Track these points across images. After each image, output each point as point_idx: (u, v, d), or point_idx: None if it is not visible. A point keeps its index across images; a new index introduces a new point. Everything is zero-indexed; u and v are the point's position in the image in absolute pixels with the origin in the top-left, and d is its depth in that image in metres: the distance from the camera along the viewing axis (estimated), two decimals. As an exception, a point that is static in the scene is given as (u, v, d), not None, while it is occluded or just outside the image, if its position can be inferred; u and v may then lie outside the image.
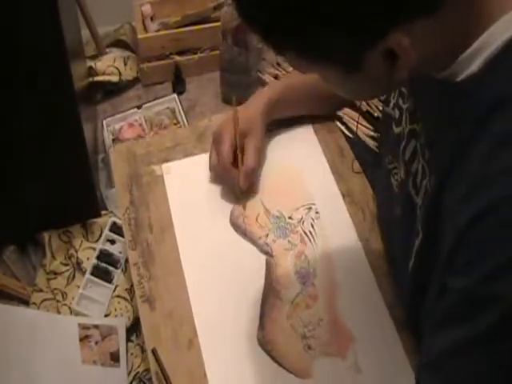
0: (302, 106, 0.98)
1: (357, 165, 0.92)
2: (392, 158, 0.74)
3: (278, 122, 0.96)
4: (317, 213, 0.87)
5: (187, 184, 0.91)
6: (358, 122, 1.57)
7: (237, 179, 0.83)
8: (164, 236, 0.84)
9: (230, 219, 0.86)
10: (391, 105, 0.76)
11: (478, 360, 0.53)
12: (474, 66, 0.52)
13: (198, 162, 0.92)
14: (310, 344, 0.75)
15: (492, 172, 0.50)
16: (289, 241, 0.84)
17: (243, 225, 0.85)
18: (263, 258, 0.83)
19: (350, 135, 1.51)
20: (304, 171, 0.91)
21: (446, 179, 0.56)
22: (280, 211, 0.87)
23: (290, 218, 0.86)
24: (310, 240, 0.84)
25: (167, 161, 0.92)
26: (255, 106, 0.90)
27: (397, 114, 0.72)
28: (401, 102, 0.71)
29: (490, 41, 0.51)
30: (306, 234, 0.85)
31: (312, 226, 0.86)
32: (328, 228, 0.85)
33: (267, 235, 0.84)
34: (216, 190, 0.89)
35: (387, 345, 0.72)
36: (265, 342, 0.75)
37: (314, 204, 0.87)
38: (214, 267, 0.82)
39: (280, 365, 0.74)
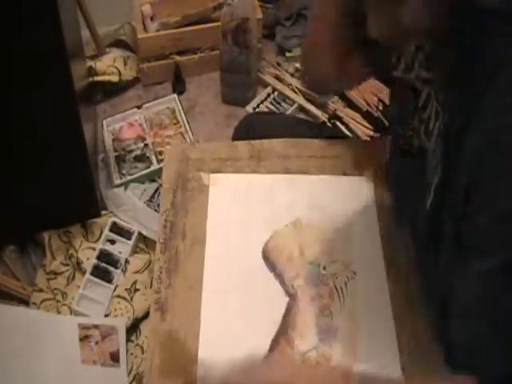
0: None
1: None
2: (404, 119, 0.74)
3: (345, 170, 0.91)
4: (354, 273, 0.82)
5: (230, 200, 0.86)
6: (358, 122, 1.58)
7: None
8: (194, 248, 0.81)
9: (263, 249, 0.83)
10: (401, 67, 0.75)
11: None
12: None
13: (247, 180, 0.89)
14: None
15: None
16: (317, 291, 0.79)
17: (274, 259, 0.82)
18: (286, 299, 0.79)
19: (350, 135, 1.51)
20: (352, 227, 0.86)
21: (461, 120, 0.56)
22: (316, 259, 0.82)
23: (324, 268, 0.81)
24: (339, 297, 0.78)
25: (217, 172, 0.89)
26: None
27: (416, 71, 0.72)
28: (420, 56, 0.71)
29: None
30: (336, 289, 0.80)
31: (345, 284, 0.81)
32: (361, 292, 0.79)
33: (296, 277, 0.80)
34: (257, 214, 0.86)
35: None
36: None
37: (352, 263, 0.83)
38: (234, 294, 0.78)
39: None
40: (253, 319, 0.76)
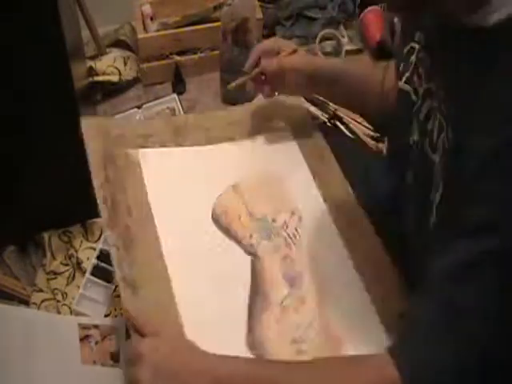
0: (337, 88, 0.97)
1: (333, 159, 0.92)
2: (406, 126, 0.74)
3: (260, 132, 0.95)
4: (300, 217, 0.86)
5: (165, 174, 0.89)
6: (358, 122, 1.58)
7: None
8: (143, 223, 0.82)
9: (212, 216, 0.85)
10: (404, 79, 0.76)
11: (490, 277, 0.55)
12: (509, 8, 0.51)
13: (176, 154, 0.91)
14: (301, 348, 0.73)
15: None
16: (274, 244, 0.83)
17: (225, 223, 0.84)
18: (248, 258, 0.81)
19: (350, 135, 1.51)
20: (285, 178, 0.91)
21: (464, 123, 0.57)
22: (263, 214, 0.86)
23: (273, 220, 0.85)
24: (294, 244, 0.83)
25: (143, 147, 0.90)
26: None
27: (416, 83, 0.73)
28: (420, 69, 0.71)
29: None
30: (290, 237, 0.84)
31: (296, 230, 0.85)
32: (312, 232, 0.84)
33: (251, 236, 0.83)
34: (194, 185, 0.88)
35: (378, 347, 0.71)
36: (255, 346, 0.73)
37: (296, 209, 0.87)
38: (199, 262, 0.80)
39: None
40: (223, 284, 0.78)
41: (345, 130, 1.53)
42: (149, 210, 0.83)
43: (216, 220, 0.83)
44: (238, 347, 0.72)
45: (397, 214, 0.84)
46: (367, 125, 1.58)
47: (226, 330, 0.74)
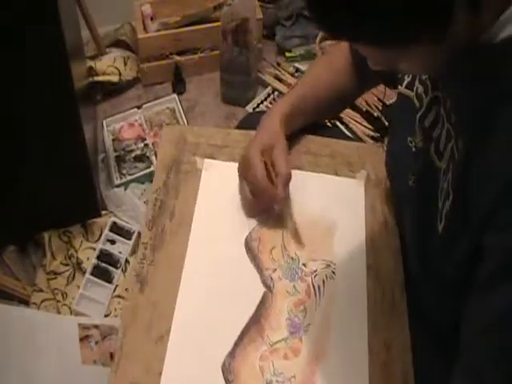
0: (312, 114, 0.97)
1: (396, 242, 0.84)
2: (409, 132, 0.74)
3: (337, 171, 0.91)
4: (333, 273, 0.82)
5: (221, 187, 0.87)
6: (358, 122, 1.58)
7: (274, 194, 0.81)
8: (180, 228, 0.83)
9: (246, 239, 0.84)
10: (405, 83, 0.76)
11: None
12: None
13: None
14: None
15: None
16: (294, 286, 0.80)
17: (256, 250, 0.82)
18: (262, 290, 0.80)
19: (350, 135, 1.51)
20: (338, 228, 0.87)
21: (477, 140, 0.56)
22: (297, 255, 0.83)
23: (304, 265, 0.82)
24: (315, 295, 0.79)
25: (212, 157, 0.91)
26: (272, 122, 0.89)
27: (420, 89, 0.72)
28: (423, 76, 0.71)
29: None
30: (313, 287, 0.80)
31: (323, 283, 0.81)
32: (338, 293, 0.79)
33: (275, 270, 0.80)
34: (246, 204, 0.87)
35: None
36: (228, 371, 0.71)
37: (333, 263, 0.83)
38: (213, 278, 0.79)
39: None
40: (228, 304, 0.77)
41: (345, 130, 1.53)
42: (190, 220, 0.83)
43: (248, 243, 0.82)
44: (213, 366, 0.71)
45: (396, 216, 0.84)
46: (367, 125, 1.58)
47: (211, 343, 0.73)
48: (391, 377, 0.73)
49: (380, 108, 1.55)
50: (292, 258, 0.82)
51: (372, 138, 1.53)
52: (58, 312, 1.19)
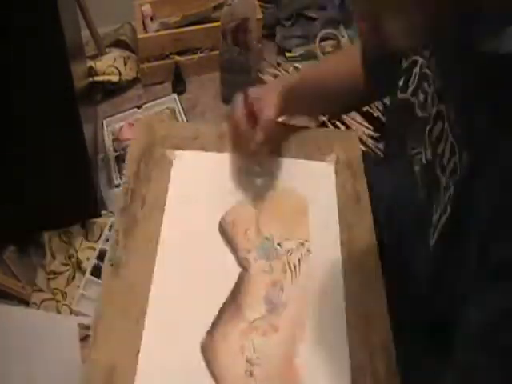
0: (312, 103, 0.96)
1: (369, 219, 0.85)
2: (416, 142, 0.73)
3: (299, 150, 0.93)
4: (308, 251, 0.83)
5: (193, 175, 0.89)
6: (357, 122, 1.58)
7: (251, 137, 0.81)
8: (152, 213, 0.83)
9: (220, 222, 0.84)
10: (410, 91, 0.75)
11: None
12: None
13: (210, 158, 0.91)
14: (253, 371, 0.70)
15: None
16: (270, 264, 0.81)
17: (230, 232, 0.83)
18: (238, 270, 0.80)
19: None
20: (311, 207, 0.88)
21: (480, 158, 0.56)
22: (271, 235, 0.84)
23: (279, 244, 0.83)
24: (291, 273, 0.81)
25: (182, 149, 0.92)
26: (274, 83, 0.89)
27: (421, 98, 0.72)
28: (426, 85, 0.71)
29: None
30: (289, 265, 0.82)
31: (298, 261, 0.82)
32: (314, 269, 0.81)
33: (250, 251, 0.82)
34: (218, 191, 0.88)
35: None
36: (208, 350, 0.71)
37: (308, 242, 0.84)
38: (188, 259, 0.79)
39: (214, 379, 0.70)
40: (204, 285, 0.77)
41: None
42: (162, 206, 0.84)
43: (222, 227, 0.83)
44: (192, 346, 0.71)
45: (391, 223, 0.83)
46: (367, 125, 1.58)
47: (189, 323, 0.73)
48: (371, 348, 0.73)
49: (380, 108, 1.55)
50: (267, 238, 0.83)
51: (372, 137, 1.52)
52: (58, 312, 1.19)
